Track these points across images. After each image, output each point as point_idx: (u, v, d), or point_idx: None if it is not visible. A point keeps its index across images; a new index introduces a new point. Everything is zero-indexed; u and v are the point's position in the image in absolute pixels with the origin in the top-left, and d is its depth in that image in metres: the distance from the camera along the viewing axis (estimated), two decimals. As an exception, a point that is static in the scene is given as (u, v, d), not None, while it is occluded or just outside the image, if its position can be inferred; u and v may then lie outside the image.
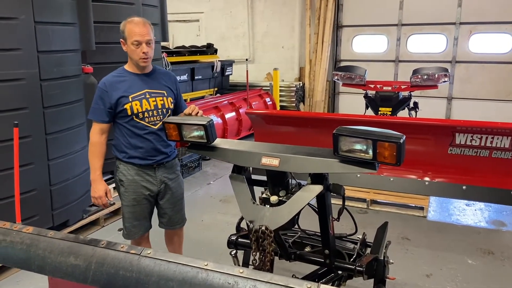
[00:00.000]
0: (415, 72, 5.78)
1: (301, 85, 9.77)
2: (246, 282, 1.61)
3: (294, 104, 9.67)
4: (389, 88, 5.75)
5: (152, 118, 2.80)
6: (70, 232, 4.05)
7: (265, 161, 2.21)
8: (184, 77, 8.15)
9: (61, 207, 3.82)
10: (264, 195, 2.33)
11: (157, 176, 2.88)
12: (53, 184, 3.71)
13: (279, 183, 2.31)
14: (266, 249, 2.16)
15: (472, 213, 4.78)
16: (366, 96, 6.04)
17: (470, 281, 3.40)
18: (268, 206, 2.26)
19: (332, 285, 2.67)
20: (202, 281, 1.66)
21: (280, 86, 9.32)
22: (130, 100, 2.72)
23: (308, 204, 2.37)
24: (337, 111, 9.92)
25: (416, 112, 6.14)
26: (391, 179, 4.82)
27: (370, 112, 6.15)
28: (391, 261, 2.65)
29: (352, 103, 9.33)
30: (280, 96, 9.38)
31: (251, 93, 8.42)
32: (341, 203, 2.40)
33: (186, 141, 2.41)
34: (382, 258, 2.57)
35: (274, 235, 2.33)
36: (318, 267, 2.64)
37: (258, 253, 2.20)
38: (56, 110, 3.65)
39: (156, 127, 2.84)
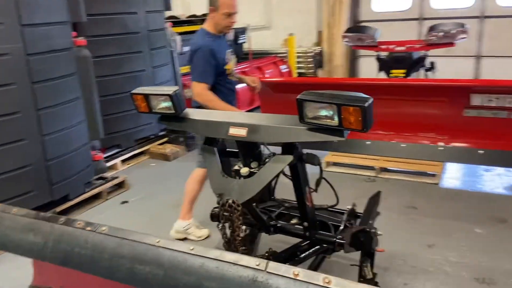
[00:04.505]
0: (430, 29, 5.38)
1: (319, 50, 9.40)
2: (195, 259, 1.54)
3: (312, 70, 9.34)
4: (403, 48, 5.39)
5: (235, 75, 3.34)
6: (72, 206, 4.10)
7: (233, 131, 2.09)
8: (197, 47, 7.97)
9: (60, 181, 3.84)
10: (236, 167, 2.23)
11: None
12: (50, 159, 3.71)
13: (250, 154, 2.19)
14: (235, 223, 2.07)
15: (489, 179, 4.49)
16: (378, 58, 5.70)
17: (475, 250, 3.20)
18: (241, 178, 2.16)
19: (316, 257, 2.57)
20: (154, 258, 1.62)
21: (298, 52, 8.99)
22: (227, 60, 3.20)
23: (286, 175, 2.25)
24: (358, 76, 9.52)
25: (433, 73, 5.76)
26: (403, 145, 4.57)
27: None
28: (378, 232, 2.50)
29: (373, 67, 8.91)
30: (298, 62, 9.07)
31: (265, 60, 8.18)
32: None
33: (155, 113, 2.32)
34: (368, 229, 2.43)
35: (248, 208, 2.24)
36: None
37: (227, 228, 2.12)
38: (46, 85, 3.60)
39: None
